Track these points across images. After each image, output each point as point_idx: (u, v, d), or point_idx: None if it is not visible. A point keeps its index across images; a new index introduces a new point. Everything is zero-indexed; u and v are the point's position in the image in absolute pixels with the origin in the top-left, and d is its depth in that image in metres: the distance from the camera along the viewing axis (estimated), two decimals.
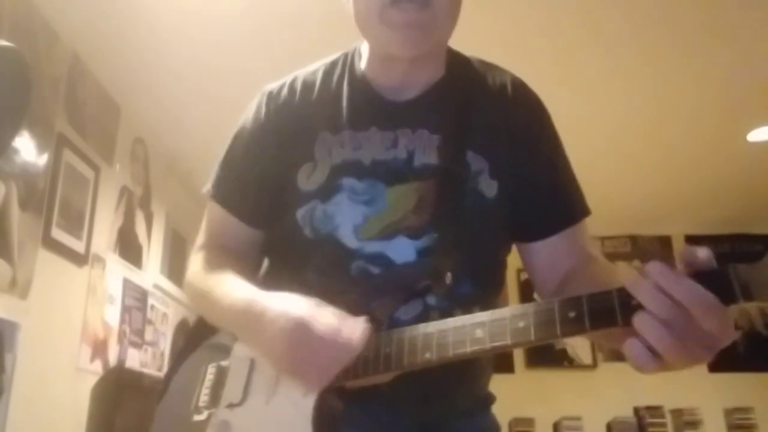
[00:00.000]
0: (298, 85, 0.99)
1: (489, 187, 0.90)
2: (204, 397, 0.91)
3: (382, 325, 0.80)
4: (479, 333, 0.69)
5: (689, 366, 0.62)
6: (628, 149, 3.49)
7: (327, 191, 0.90)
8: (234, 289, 0.88)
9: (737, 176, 3.89)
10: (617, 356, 4.41)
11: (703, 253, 0.59)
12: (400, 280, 0.86)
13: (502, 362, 4.27)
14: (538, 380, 4.32)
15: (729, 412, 4.25)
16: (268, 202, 0.95)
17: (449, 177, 0.89)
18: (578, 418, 4.13)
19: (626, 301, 0.61)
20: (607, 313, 0.62)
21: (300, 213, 0.90)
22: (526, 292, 4.59)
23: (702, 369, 4.46)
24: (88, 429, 2.38)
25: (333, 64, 1.01)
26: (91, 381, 2.48)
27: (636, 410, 4.20)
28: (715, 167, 3.78)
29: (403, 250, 0.86)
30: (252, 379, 0.87)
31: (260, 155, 0.97)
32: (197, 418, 0.90)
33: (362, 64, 0.98)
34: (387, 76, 0.95)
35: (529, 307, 0.67)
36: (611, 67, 2.75)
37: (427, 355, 0.72)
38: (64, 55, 2.43)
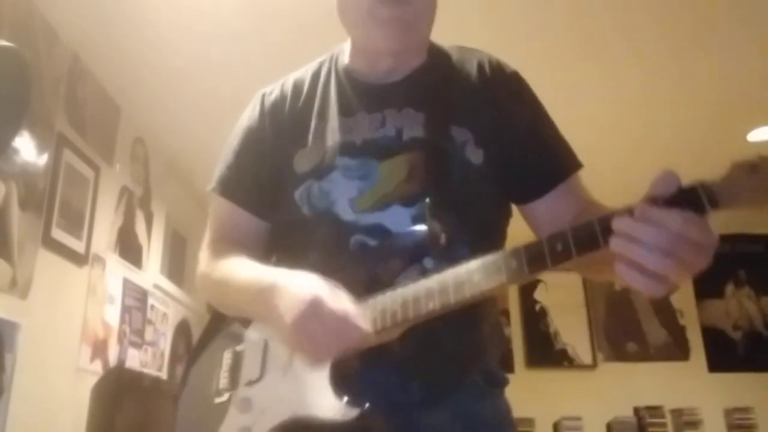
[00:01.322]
0: (290, 84, 1.08)
1: (475, 155, 0.95)
2: (223, 381, 0.96)
3: (388, 287, 0.84)
4: (477, 277, 0.76)
5: (687, 277, 0.67)
6: (628, 149, 3.49)
7: (322, 170, 0.96)
8: (249, 269, 0.94)
9: None
10: (617, 356, 4.44)
11: (667, 179, 0.67)
12: (398, 247, 0.89)
13: (502, 362, 4.26)
14: (538, 380, 4.32)
15: (729, 412, 4.25)
16: (270, 190, 1.01)
17: (436, 148, 0.95)
18: (578, 418, 4.13)
19: (606, 226, 0.68)
20: (590, 239, 0.69)
21: (297, 193, 0.96)
22: (526, 292, 4.60)
23: (702, 369, 4.47)
24: (88, 429, 2.38)
25: (320, 64, 1.10)
26: (91, 381, 2.48)
27: (636, 410, 4.20)
28: (715, 167, 3.76)
29: (398, 218, 0.91)
30: (267, 358, 0.92)
31: (259, 149, 1.04)
32: (219, 400, 0.95)
33: (346, 59, 1.06)
34: (372, 69, 1.03)
35: (520, 247, 0.74)
36: (611, 68, 2.75)
37: (431, 305, 0.78)
38: (64, 55, 2.43)
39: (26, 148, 2.14)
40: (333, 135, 0.98)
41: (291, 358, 0.88)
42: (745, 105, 3.12)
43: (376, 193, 0.93)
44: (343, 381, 0.82)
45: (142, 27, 2.43)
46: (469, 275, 0.76)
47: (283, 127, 1.03)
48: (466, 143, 0.96)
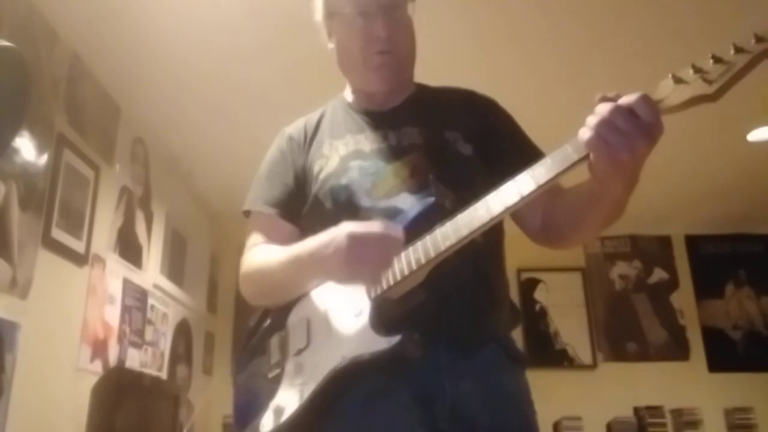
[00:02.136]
0: (303, 121, 1.30)
1: (465, 149, 1.16)
2: (274, 357, 1.09)
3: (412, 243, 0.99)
4: (481, 212, 0.93)
5: (636, 154, 0.84)
6: None
7: (340, 172, 1.15)
8: (283, 248, 1.10)
9: (737, 176, 3.89)
10: (617, 356, 4.44)
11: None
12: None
13: None
14: (538, 380, 4.26)
15: (729, 412, 4.25)
16: (298, 199, 1.21)
17: (433, 146, 1.15)
18: (578, 418, 4.12)
19: (577, 146, 0.87)
20: (565, 158, 0.87)
21: (321, 192, 1.15)
22: (526, 292, 4.60)
23: (702, 369, 4.47)
24: (88, 429, 2.38)
25: (325, 107, 1.32)
26: (91, 381, 2.48)
27: (636, 410, 4.19)
28: (715, 167, 3.78)
29: (408, 202, 1.07)
30: (312, 329, 1.06)
31: (286, 170, 1.24)
32: (272, 374, 1.08)
33: (349, 99, 1.31)
34: (371, 103, 1.26)
35: (510, 182, 0.91)
36: (609, 67, 2.75)
37: (448, 242, 0.93)
38: (64, 55, 2.43)
39: (26, 148, 2.14)
40: (346, 146, 1.19)
41: (332, 323, 1.02)
42: (745, 105, 3.12)
43: (387, 184, 1.11)
44: (382, 325, 0.97)
45: (142, 27, 2.43)
46: (475, 211, 0.93)
47: (302, 150, 1.24)
48: (457, 140, 1.16)
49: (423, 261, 0.95)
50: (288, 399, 1.02)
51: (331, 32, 1.25)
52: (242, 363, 1.17)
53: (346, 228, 0.97)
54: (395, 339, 0.93)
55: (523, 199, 0.89)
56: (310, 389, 0.99)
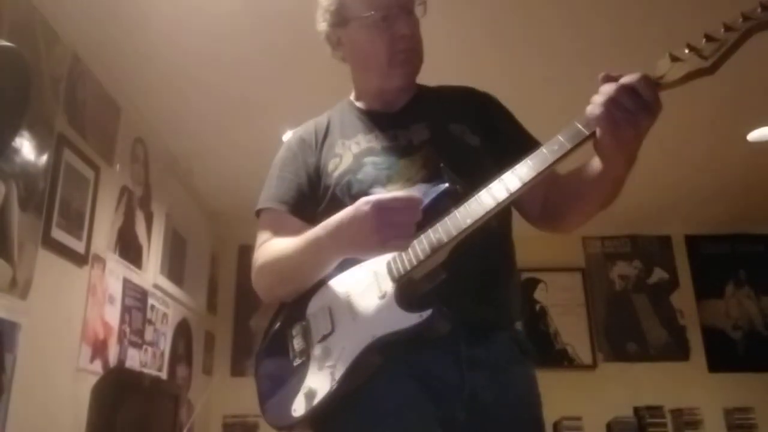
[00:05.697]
0: (312, 123, 1.33)
1: (473, 140, 1.21)
2: (298, 346, 1.10)
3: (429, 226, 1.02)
4: (499, 189, 0.97)
5: (639, 129, 0.92)
6: None
7: (356, 168, 1.19)
8: (299, 236, 1.11)
9: (737, 176, 3.90)
10: (617, 356, 4.44)
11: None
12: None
13: None
14: (538, 380, 4.31)
15: (729, 412, 4.25)
16: (309, 197, 1.23)
17: (441, 138, 1.20)
18: (578, 418, 4.13)
19: (587, 122, 0.94)
20: (576, 134, 0.94)
21: (338, 188, 1.18)
22: (526, 292, 4.60)
23: (702, 369, 4.47)
24: (88, 429, 2.38)
25: (331, 112, 1.35)
26: (91, 381, 2.48)
27: (636, 410, 4.20)
28: (715, 167, 3.78)
29: (422, 191, 1.07)
30: (335, 315, 1.08)
31: (296, 170, 1.27)
32: (297, 362, 1.09)
33: (357, 102, 1.34)
34: (381, 104, 1.29)
35: (524, 159, 0.97)
36: (609, 66, 2.75)
37: (469, 220, 0.97)
38: (64, 55, 2.43)
39: (26, 148, 2.14)
40: (359, 145, 1.23)
41: (355, 306, 1.05)
42: (745, 105, 3.13)
43: (401, 177, 1.15)
44: (408, 304, 0.99)
45: (142, 27, 2.43)
46: (489, 191, 0.98)
47: (315, 150, 1.27)
48: (464, 132, 1.21)
49: (446, 240, 0.98)
50: (319, 382, 1.03)
51: (340, 40, 1.28)
52: (263, 356, 1.19)
53: (368, 199, 0.99)
54: (427, 313, 0.96)
55: (540, 173, 0.94)
56: (341, 371, 1.01)
